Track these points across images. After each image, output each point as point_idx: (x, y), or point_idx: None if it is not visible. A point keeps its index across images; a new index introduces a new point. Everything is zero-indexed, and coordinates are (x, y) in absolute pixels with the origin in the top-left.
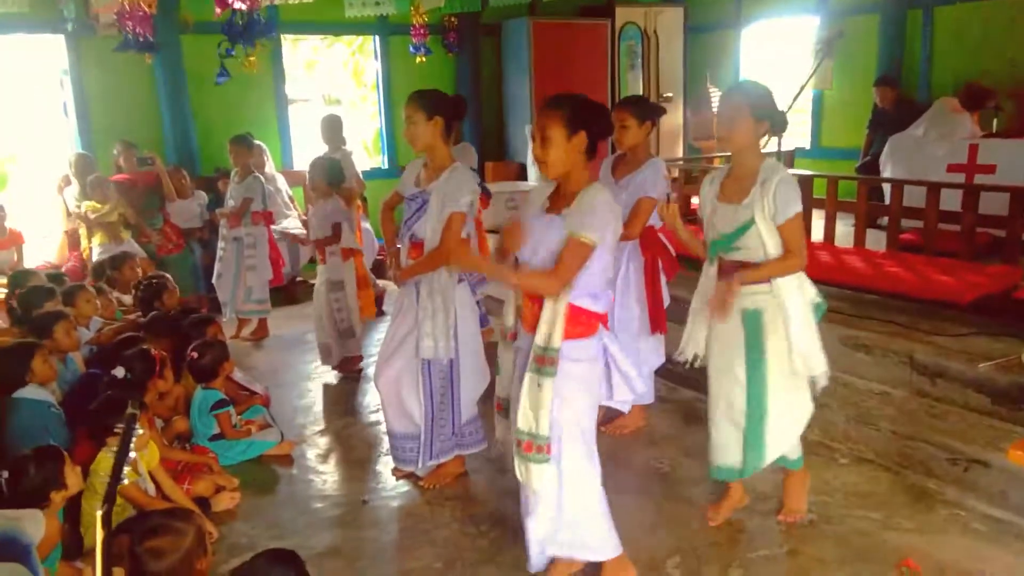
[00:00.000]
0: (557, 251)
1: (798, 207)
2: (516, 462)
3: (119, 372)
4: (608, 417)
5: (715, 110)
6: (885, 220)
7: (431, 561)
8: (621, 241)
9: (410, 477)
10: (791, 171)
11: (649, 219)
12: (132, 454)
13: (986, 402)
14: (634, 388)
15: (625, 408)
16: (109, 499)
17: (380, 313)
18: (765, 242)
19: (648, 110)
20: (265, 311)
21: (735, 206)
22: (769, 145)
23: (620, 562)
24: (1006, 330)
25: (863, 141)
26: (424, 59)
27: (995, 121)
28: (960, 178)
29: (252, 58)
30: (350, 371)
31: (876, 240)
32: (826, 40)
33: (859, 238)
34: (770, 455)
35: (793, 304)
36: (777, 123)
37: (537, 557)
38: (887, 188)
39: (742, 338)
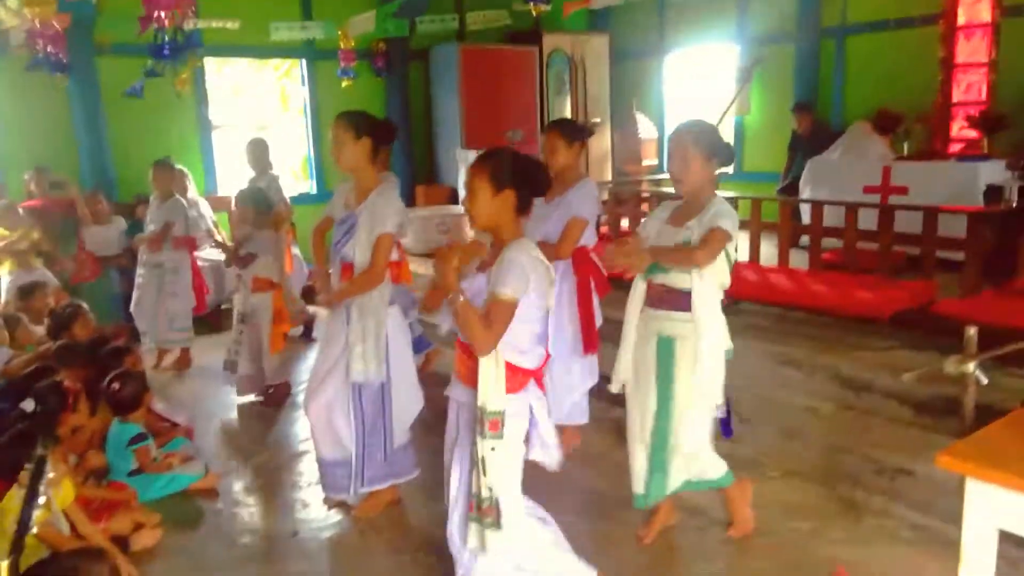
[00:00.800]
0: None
1: (727, 227)
2: (469, 526)
3: (28, 405)
4: None
5: (640, 135)
6: (807, 240)
7: None
8: (553, 261)
9: (341, 506)
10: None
11: (581, 239)
12: (42, 497)
13: (910, 413)
14: (551, 457)
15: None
16: (16, 548)
17: (310, 339)
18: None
19: (576, 132)
20: (187, 340)
21: (678, 229)
22: None
23: None
24: (926, 342)
25: (783, 165)
26: (351, 83)
27: (906, 144)
28: (875, 199)
29: (184, 75)
30: (273, 399)
31: (799, 260)
32: (746, 68)
33: (783, 257)
34: (673, 483)
35: (709, 338)
36: (725, 157)
37: None
38: (806, 209)
39: (655, 363)
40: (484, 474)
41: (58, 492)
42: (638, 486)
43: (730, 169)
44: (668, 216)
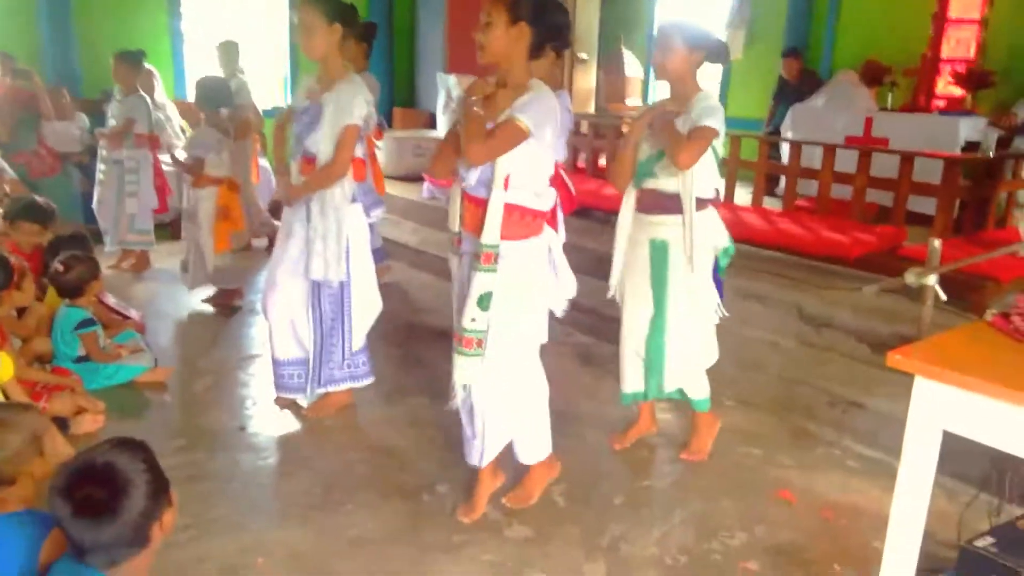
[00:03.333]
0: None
1: (714, 124)
2: (454, 360)
3: None
4: None
5: (626, 73)
6: (783, 187)
7: (309, 486)
8: None
9: (292, 407)
10: None
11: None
12: None
13: (867, 351)
14: (569, 293)
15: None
16: None
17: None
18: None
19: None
20: (148, 243)
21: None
22: None
23: (548, 462)
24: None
25: (767, 112)
26: None
27: (890, 96)
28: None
29: None
30: (224, 305)
31: (773, 206)
32: (740, 9)
33: (758, 197)
34: (670, 382)
35: (700, 240)
36: (714, 52)
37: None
38: (786, 156)
39: (648, 268)
40: (469, 305)
41: None
42: (630, 384)
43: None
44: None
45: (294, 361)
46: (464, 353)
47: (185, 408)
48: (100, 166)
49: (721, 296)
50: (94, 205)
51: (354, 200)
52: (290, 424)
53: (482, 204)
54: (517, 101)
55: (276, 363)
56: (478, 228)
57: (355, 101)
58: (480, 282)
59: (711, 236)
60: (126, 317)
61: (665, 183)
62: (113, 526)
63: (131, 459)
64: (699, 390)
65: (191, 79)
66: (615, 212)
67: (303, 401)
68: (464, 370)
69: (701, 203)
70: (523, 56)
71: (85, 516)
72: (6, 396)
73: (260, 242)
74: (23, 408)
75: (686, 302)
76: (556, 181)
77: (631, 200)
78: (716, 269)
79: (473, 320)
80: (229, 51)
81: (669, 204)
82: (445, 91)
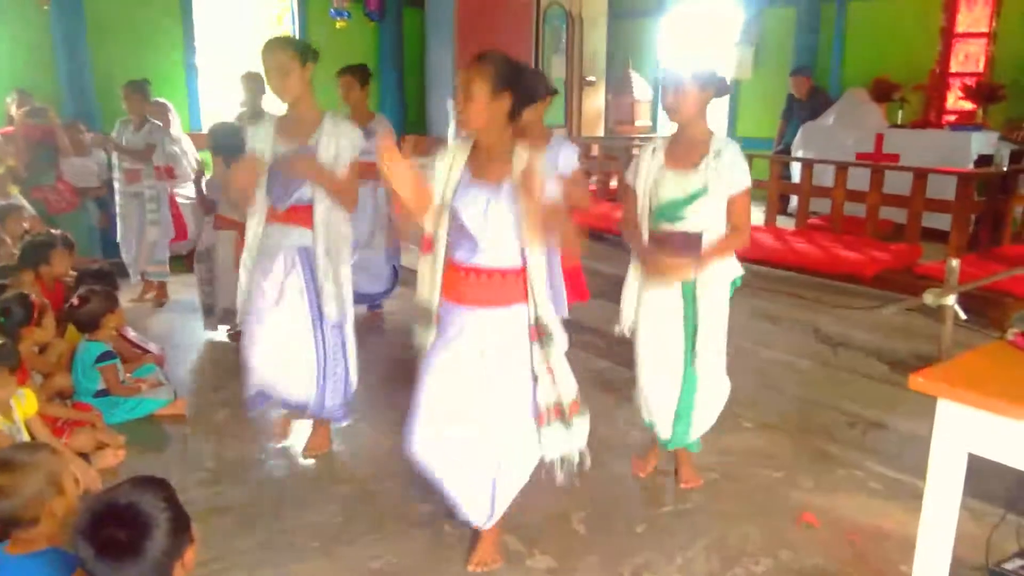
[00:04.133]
0: (515, 224)
1: (749, 182)
2: (542, 432)
3: None
4: None
5: (635, 95)
6: (795, 206)
7: (330, 517)
8: None
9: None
10: None
11: None
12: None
13: (886, 370)
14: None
15: None
16: None
17: None
18: (712, 212)
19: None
20: (164, 274)
21: (686, 173)
22: None
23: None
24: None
25: (777, 131)
26: (345, 24)
27: (900, 113)
28: (866, 161)
29: None
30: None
31: (786, 226)
32: (750, 28)
33: (770, 217)
34: (696, 430)
35: (717, 278)
36: (720, 89)
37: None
38: (797, 175)
39: (680, 307)
40: (555, 381)
41: (20, 401)
42: (664, 431)
43: (723, 133)
44: (664, 159)
45: (302, 403)
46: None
47: (206, 441)
48: (118, 200)
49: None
50: (119, 239)
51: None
52: (309, 455)
53: (505, 273)
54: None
55: (286, 405)
56: (490, 298)
57: (354, 135)
58: (553, 355)
59: (732, 269)
60: (146, 351)
61: (690, 224)
62: (136, 566)
63: (152, 498)
64: (705, 429)
65: (206, 112)
66: None
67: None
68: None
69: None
70: (504, 122)
71: (108, 557)
72: (29, 432)
73: None
74: (38, 448)
75: (714, 340)
76: (575, 277)
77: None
78: None
79: (556, 393)
80: (253, 83)
81: (695, 244)
82: (455, 117)
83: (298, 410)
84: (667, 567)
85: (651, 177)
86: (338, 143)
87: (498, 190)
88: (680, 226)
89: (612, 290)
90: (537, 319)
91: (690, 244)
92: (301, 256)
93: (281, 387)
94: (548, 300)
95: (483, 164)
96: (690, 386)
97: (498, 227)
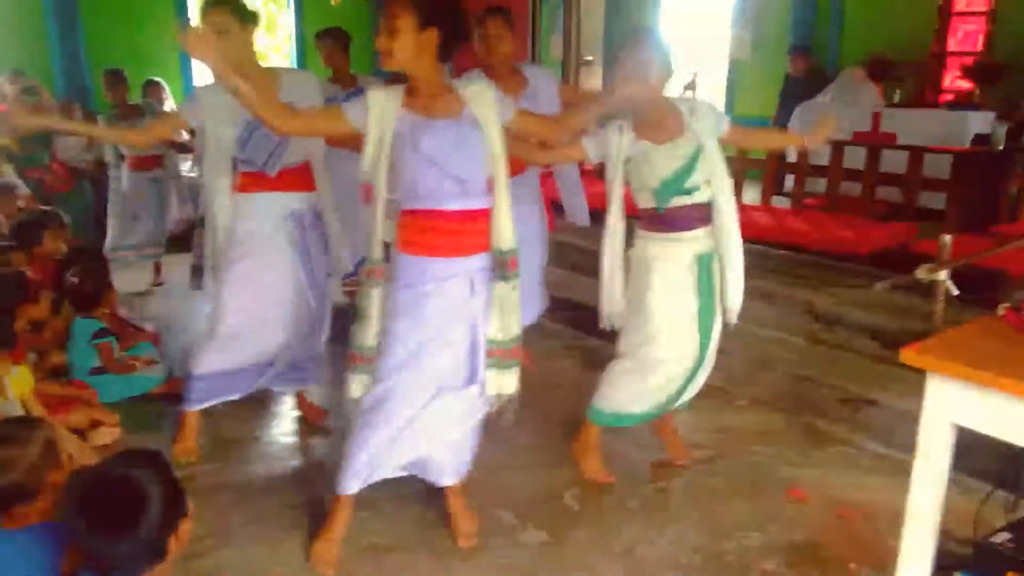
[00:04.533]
0: (483, 157)
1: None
2: (489, 377)
3: None
4: None
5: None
6: (791, 185)
7: (324, 494)
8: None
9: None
10: None
11: None
12: None
13: (878, 348)
14: None
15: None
16: None
17: None
18: (714, 171)
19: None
20: (158, 255)
21: (674, 141)
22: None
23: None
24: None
25: (774, 111)
26: (339, 2)
27: (897, 92)
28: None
29: None
30: None
31: (782, 204)
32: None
33: (766, 196)
34: (690, 393)
35: (736, 245)
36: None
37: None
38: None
39: (692, 282)
40: (504, 315)
41: (14, 377)
42: (677, 400)
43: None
44: (635, 136)
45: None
46: (508, 366)
47: (200, 418)
48: (125, 184)
49: None
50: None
51: None
52: (302, 434)
53: (481, 215)
54: (489, 96)
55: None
56: (459, 248)
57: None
58: (506, 289)
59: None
60: (140, 329)
61: (699, 196)
62: (130, 539)
63: (146, 471)
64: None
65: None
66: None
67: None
68: (506, 381)
69: None
70: (433, 60)
71: (101, 530)
72: (26, 410)
73: None
74: (33, 421)
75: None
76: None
77: (619, 229)
78: None
79: (507, 329)
80: None
81: (704, 215)
82: None
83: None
84: (659, 540)
85: (623, 154)
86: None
87: (459, 123)
88: (686, 200)
89: None
90: (501, 251)
91: (702, 214)
92: (295, 221)
93: (250, 353)
94: (504, 229)
95: (428, 102)
96: (705, 353)
97: (469, 160)
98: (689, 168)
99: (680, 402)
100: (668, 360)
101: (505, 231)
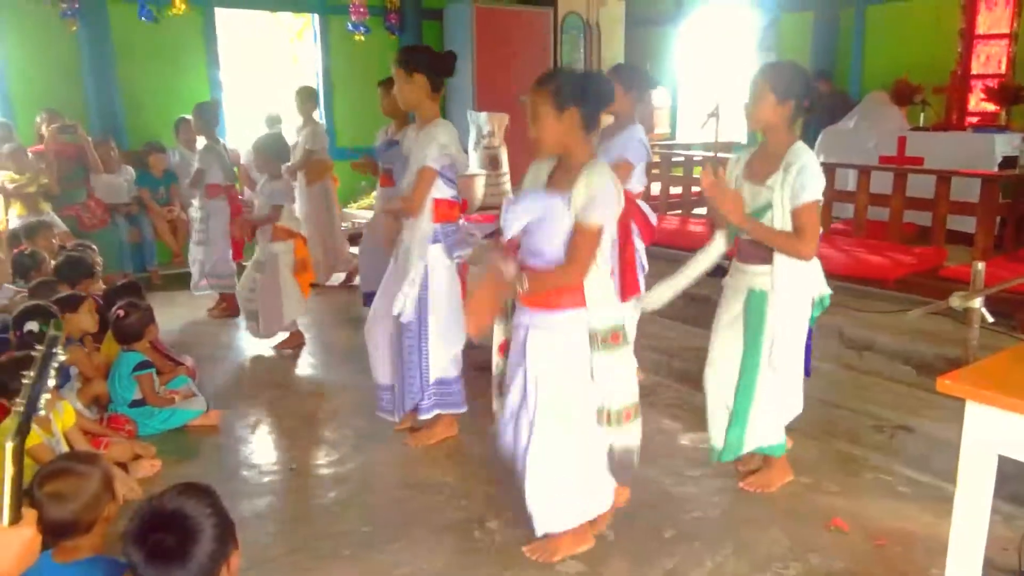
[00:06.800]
0: (559, 230)
1: (816, 195)
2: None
3: (32, 327)
4: None
5: (652, 103)
6: None
7: (359, 524)
8: None
9: (409, 431)
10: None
11: (627, 183)
12: (43, 410)
13: (911, 373)
14: None
15: None
16: (22, 431)
17: (352, 287)
18: (781, 225)
19: (633, 78)
20: (229, 287)
21: (758, 186)
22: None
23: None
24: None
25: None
26: (363, 38)
27: (922, 115)
28: (888, 165)
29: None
30: (298, 345)
31: None
32: (766, 31)
33: None
34: (751, 440)
35: (794, 291)
36: (807, 99)
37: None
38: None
39: (742, 317)
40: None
41: (59, 413)
42: (716, 440)
43: (743, 138)
44: (744, 169)
45: (384, 386)
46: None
47: (237, 451)
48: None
49: (810, 347)
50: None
51: (435, 240)
52: (339, 462)
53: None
54: (577, 198)
55: (376, 386)
56: (544, 302)
57: (432, 145)
58: (609, 360)
59: (815, 285)
60: (178, 363)
61: None
62: (184, 570)
63: (199, 503)
64: (775, 434)
65: (231, 126)
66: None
67: (396, 419)
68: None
69: None
70: (580, 136)
71: (157, 562)
72: (68, 444)
73: (338, 277)
74: (92, 455)
75: (779, 355)
76: (631, 209)
77: (721, 245)
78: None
79: (612, 398)
80: (305, 96)
81: (769, 254)
82: (476, 128)
83: (383, 396)
84: (696, 571)
85: (732, 186)
86: (417, 149)
87: (554, 199)
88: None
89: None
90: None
91: (765, 254)
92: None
93: (375, 370)
94: (601, 304)
95: (558, 172)
96: (746, 394)
97: (547, 233)
98: (756, 216)
99: (733, 445)
100: (717, 385)
101: None
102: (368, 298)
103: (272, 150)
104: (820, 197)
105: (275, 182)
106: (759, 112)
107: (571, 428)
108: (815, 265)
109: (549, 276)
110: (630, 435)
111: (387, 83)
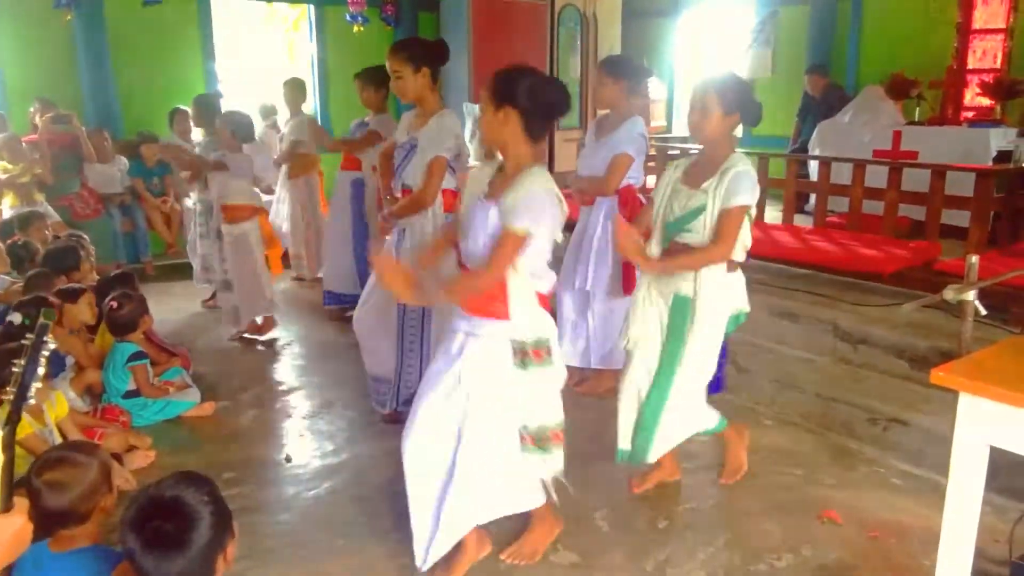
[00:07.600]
0: (488, 235)
1: (745, 200)
2: (527, 458)
3: (15, 318)
4: (582, 378)
5: (649, 96)
6: (813, 204)
7: (355, 515)
8: (600, 198)
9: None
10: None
11: (627, 176)
12: (33, 399)
13: (905, 367)
14: None
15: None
16: (12, 419)
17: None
18: (710, 229)
19: (623, 69)
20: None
21: (693, 190)
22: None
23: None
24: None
25: (792, 130)
26: (361, 28)
27: (917, 110)
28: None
29: None
30: (260, 332)
31: (804, 224)
32: (764, 24)
33: (788, 216)
34: (657, 448)
35: (714, 298)
36: (750, 114)
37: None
38: (814, 170)
39: (665, 322)
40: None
41: (51, 405)
42: (623, 442)
43: (739, 132)
44: (682, 174)
45: (380, 378)
46: (542, 451)
47: (232, 442)
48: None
49: (724, 358)
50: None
51: None
52: (334, 454)
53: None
54: (505, 202)
55: (369, 377)
56: (477, 307)
57: (444, 135)
58: (532, 377)
59: (736, 298)
60: (172, 354)
61: (694, 238)
62: (182, 558)
63: (196, 492)
64: (709, 420)
65: None
66: None
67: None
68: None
69: (732, 264)
70: (519, 138)
71: (155, 549)
72: (61, 434)
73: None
74: (91, 446)
75: (696, 362)
76: (634, 204)
77: (656, 251)
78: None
79: (536, 418)
80: (295, 88)
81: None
82: (472, 119)
83: (379, 388)
84: (689, 562)
85: (668, 190)
86: (428, 141)
87: (488, 208)
88: (688, 238)
89: None
90: (520, 339)
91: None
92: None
93: (368, 362)
94: (529, 319)
95: (497, 180)
96: (656, 400)
97: (484, 243)
98: (689, 218)
99: (639, 450)
100: (629, 383)
101: None
102: (331, 297)
103: (232, 123)
104: (750, 204)
105: (230, 152)
106: (707, 125)
107: (501, 436)
108: (738, 279)
109: (464, 278)
110: (556, 460)
111: (363, 75)
